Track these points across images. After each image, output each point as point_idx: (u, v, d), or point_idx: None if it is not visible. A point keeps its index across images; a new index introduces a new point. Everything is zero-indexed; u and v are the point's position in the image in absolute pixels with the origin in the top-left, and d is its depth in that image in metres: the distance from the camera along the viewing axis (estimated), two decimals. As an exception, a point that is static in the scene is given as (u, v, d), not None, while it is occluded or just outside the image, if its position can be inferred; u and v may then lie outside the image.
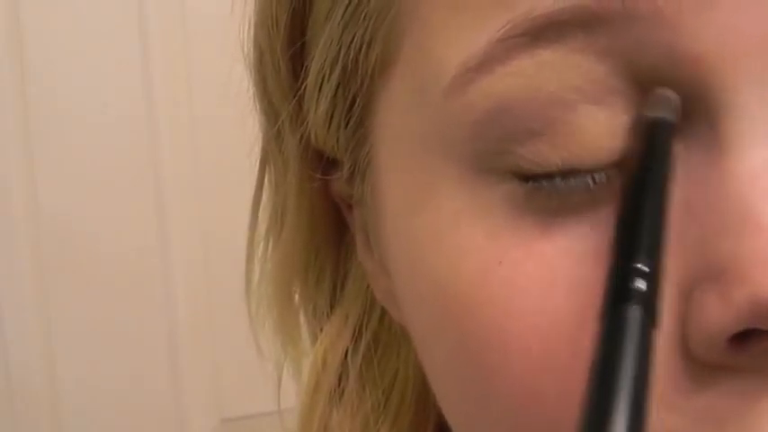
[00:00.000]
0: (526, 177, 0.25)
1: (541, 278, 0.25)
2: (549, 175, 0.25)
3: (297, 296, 0.38)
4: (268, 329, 0.39)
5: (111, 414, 1.14)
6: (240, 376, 1.17)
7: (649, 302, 0.22)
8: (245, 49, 0.34)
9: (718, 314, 0.23)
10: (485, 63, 0.24)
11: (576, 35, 0.24)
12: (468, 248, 0.26)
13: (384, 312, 0.36)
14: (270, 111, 0.34)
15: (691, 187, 0.24)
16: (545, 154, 0.24)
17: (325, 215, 0.35)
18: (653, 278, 0.22)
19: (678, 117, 0.24)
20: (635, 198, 0.24)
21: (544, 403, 0.25)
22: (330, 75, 0.30)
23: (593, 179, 0.24)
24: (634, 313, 0.22)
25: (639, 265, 0.22)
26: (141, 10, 1.11)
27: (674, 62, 0.24)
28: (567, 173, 0.24)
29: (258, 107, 0.35)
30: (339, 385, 0.37)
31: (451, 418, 0.30)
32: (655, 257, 0.23)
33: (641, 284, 0.22)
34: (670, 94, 0.24)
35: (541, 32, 0.24)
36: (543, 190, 0.25)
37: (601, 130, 0.24)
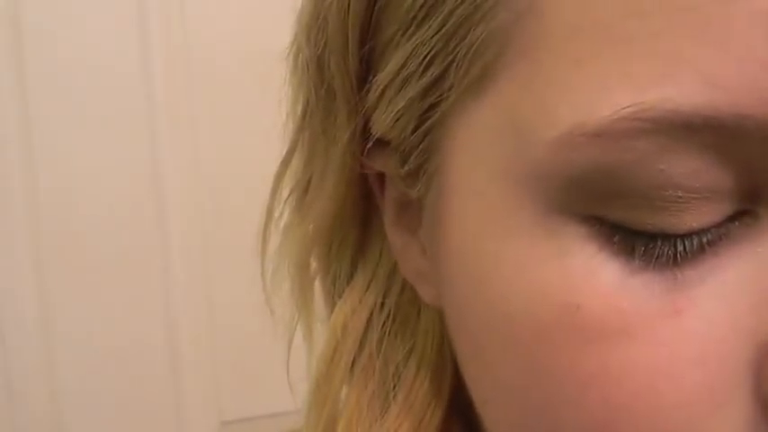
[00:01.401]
0: (613, 227, 0.26)
1: (619, 329, 0.25)
2: (636, 234, 0.25)
3: (314, 264, 0.38)
4: (282, 301, 0.39)
5: (110, 416, 1.14)
6: (240, 379, 1.17)
7: None
8: (301, 18, 0.33)
9: None
10: (602, 134, 0.24)
11: (702, 135, 0.24)
12: (545, 288, 0.26)
13: (405, 284, 0.36)
14: (326, 95, 0.33)
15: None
16: (640, 218, 0.25)
17: (357, 189, 0.35)
18: None
19: None
20: None
21: None
22: (417, 79, 0.29)
23: (684, 245, 0.25)
24: None
25: None
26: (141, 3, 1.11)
27: None
28: (657, 236, 0.25)
29: (307, 83, 0.34)
30: (357, 355, 0.37)
31: (499, 422, 0.31)
32: None
33: None
34: None
35: (674, 126, 0.24)
36: (628, 240, 0.25)
37: (703, 215, 0.25)
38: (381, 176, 0.34)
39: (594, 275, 0.26)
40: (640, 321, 0.25)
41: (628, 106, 0.24)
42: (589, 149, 0.25)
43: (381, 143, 0.32)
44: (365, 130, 0.32)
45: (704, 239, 0.25)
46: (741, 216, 0.25)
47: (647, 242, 0.25)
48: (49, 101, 1.09)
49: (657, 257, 0.25)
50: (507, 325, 0.28)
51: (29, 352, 1.11)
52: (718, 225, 0.25)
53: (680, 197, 0.24)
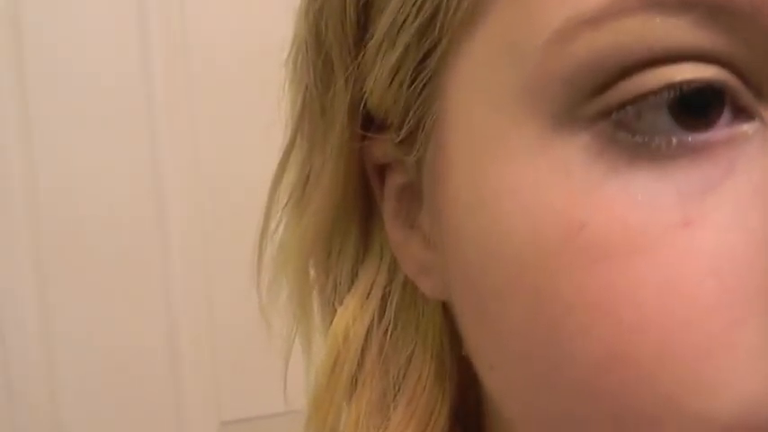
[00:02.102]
0: (612, 111, 0.25)
1: (626, 242, 0.25)
2: (639, 99, 0.25)
3: (312, 273, 0.37)
4: (280, 306, 0.39)
5: (110, 416, 1.14)
6: (240, 379, 1.17)
7: None
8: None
9: None
10: (598, 18, 0.25)
11: (693, 11, 0.24)
12: (550, 210, 0.26)
13: (405, 288, 0.36)
14: (324, 66, 0.33)
15: None
16: (642, 80, 0.25)
17: (356, 182, 0.34)
18: None
19: None
20: None
21: (628, 366, 0.25)
22: (409, 24, 0.29)
23: (690, 139, 0.25)
24: None
25: None
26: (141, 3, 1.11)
27: None
28: (660, 90, 0.25)
29: (305, 63, 0.34)
30: (359, 361, 0.36)
31: (507, 388, 0.30)
32: None
33: None
34: None
35: (665, 2, 0.24)
36: (630, 125, 0.25)
37: (705, 75, 0.25)
38: (380, 170, 0.34)
39: (598, 189, 0.25)
40: (648, 236, 0.24)
41: None
42: (585, 40, 0.25)
43: (379, 126, 0.32)
44: (363, 109, 0.32)
45: (712, 138, 0.24)
46: (748, 120, 0.25)
47: (651, 139, 0.25)
48: (48, 101, 1.09)
49: (663, 159, 0.25)
50: (513, 256, 0.27)
51: (29, 352, 1.11)
52: (725, 126, 0.25)
53: (676, 67, 0.24)
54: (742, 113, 0.25)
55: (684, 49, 0.24)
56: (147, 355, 1.15)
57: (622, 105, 0.25)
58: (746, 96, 0.25)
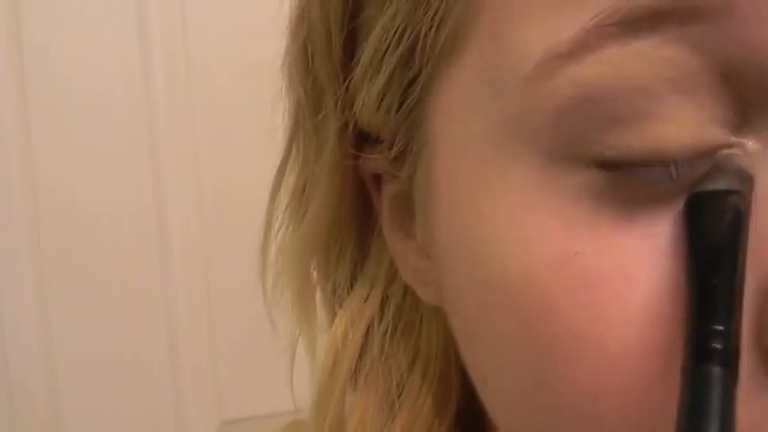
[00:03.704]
0: (607, 166, 0.25)
1: (619, 272, 0.25)
2: (630, 164, 0.25)
3: (314, 274, 0.38)
4: (283, 307, 0.39)
5: (110, 416, 1.14)
6: (240, 379, 1.17)
7: (729, 361, 0.23)
8: (290, 20, 0.34)
9: None
10: (575, 50, 0.24)
11: (671, 27, 0.24)
12: (543, 238, 0.26)
13: (406, 291, 0.36)
14: (313, 88, 0.33)
15: None
16: (629, 142, 0.24)
17: (352, 192, 0.35)
18: (730, 338, 0.23)
19: (748, 183, 0.24)
20: (708, 271, 0.24)
21: (607, 401, 0.25)
22: (391, 53, 0.29)
23: (677, 168, 0.24)
24: (716, 373, 0.23)
25: (718, 327, 0.23)
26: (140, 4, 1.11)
27: None
28: (651, 162, 0.24)
29: (296, 83, 0.34)
30: (359, 364, 0.36)
31: (497, 402, 0.30)
32: (732, 320, 0.23)
33: (719, 345, 0.23)
34: (734, 160, 0.24)
35: (637, 22, 0.24)
36: (624, 179, 0.25)
37: (687, 121, 0.24)
38: (378, 178, 0.34)
39: (592, 220, 0.25)
40: (640, 264, 0.24)
41: (594, 17, 0.24)
42: (567, 74, 0.24)
43: (372, 141, 0.32)
44: (355, 128, 0.33)
45: (697, 170, 0.24)
46: (730, 147, 0.25)
47: (643, 175, 0.24)
48: (49, 107, 1.09)
49: (654, 192, 0.25)
50: (503, 282, 0.27)
51: (29, 351, 1.11)
52: (709, 154, 0.24)
53: (663, 103, 0.24)
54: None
55: (673, 80, 0.24)
56: (147, 355, 1.15)
57: (613, 165, 0.25)
58: (730, 129, 0.25)
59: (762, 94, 0.24)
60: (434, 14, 0.27)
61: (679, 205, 0.25)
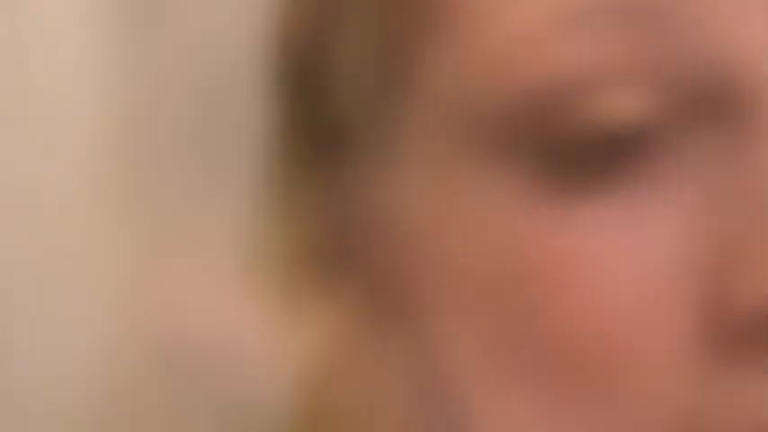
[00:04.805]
0: (551, 153, 0.26)
1: (585, 250, 0.26)
2: (574, 150, 0.26)
3: (299, 274, 0.38)
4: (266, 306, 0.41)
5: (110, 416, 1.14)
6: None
7: None
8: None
9: (748, 297, 0.24)
10: (520, 46, 0.26)
11: (611, 23, 0.25)
12: (489, 241, 0.27)
13: (385, 301, 0.37)
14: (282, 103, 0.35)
15: (717, 179, 0.26)
16: (571, 130, 0.26)
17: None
18: None
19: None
20: None
21: (589, 371, 0.26)
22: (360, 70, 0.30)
23: (620, 153, 0.26)
24: None
25: None
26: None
27: (707, 58, 0.25)
28: (594, 147, 0.26)
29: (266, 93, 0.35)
30: (347, 359, 0.37)
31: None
32: None
33: None
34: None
35: (581, 18, 0.26)
36: (572, 165, 0.26)
37: (628, 110, 0.26)
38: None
39: (532, 218, 0.26)
40: (584, 259, 0.26)
41: (542, 13, 0.26)
42: (506, 69, 0.26)
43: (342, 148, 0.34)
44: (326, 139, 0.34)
45: (645, 169, 0.26)
46: (677, 150, 0.26)
47: (588, 174, 0.26)
48: (48, 100, 1.09)
49: (602, 189, 0.26)
50: (457, 287, 0.28)
51: (30, 352, 1.11)
52: (646, 141, 0.26)
53: (606, 92, 0.26)
54: (671, 143, 0.26)
55: (613, 73, 0.26)
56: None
57: (556, 145, 0.26)
58: (673, 131, 0.26)
59: (697, 94, 0.26)
60: (396, 31, 0.29)
61: (624, 183, 0.26)
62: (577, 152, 0.26)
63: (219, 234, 0.39)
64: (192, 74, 0.40)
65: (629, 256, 0.26)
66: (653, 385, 0.25)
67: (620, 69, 0.25)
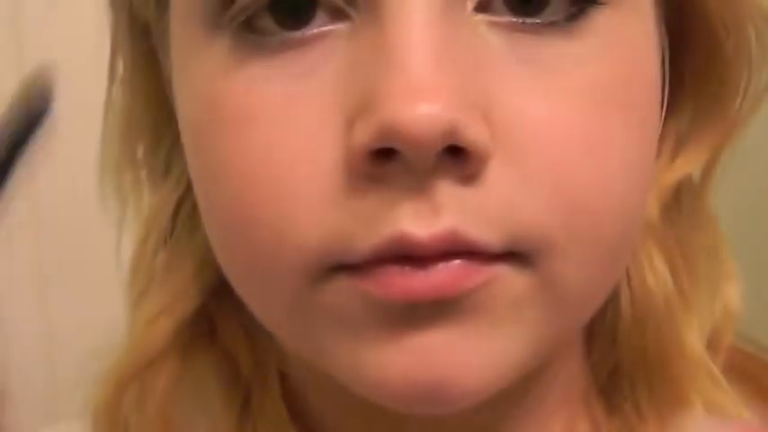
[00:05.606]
0: (237, 17, 0.33)
1: (246, 118, 0.33)
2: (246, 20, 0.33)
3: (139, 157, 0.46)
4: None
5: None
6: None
7: None
8: None
9: (363, 134, 0.30)
10: None
11: None
12: (200, 91, 0.35)
13: None
14: None
15: (358, 53, 0.32)
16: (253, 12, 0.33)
17: (158, 86, 0.43)
18: None
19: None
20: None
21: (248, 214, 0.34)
22: None
23: (299, 20, 0.33)
24: None
25: None
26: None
27: None
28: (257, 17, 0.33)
29: None
30: (170, 234, 0.45)
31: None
32: None
33: None
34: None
35: None
36: (251, 27, 0.33)
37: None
38: None
39: (229, 76, 0.33)
40: (261, 111, 0.33)
41: None
42: None
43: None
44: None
45: (307, 34, 0.33)
46: (341, 20, 0.33)
47: (263, 37, 0.33)
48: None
49: (273, 52, 0.33)
50: (188, 129, 0.37)
51: (29, 351, 1.11)
52: (320, 25, 0.33)
53: None
54: (336, 14, 0.32)
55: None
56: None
57: (240, 13, 0.33)
58: (337, 2, 0.32)
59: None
60: None
61: (283, 57, 0.33)
62: (258, 26, 0.33)
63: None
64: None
65: (290, 102, 0.32)
66: (306, 207, 0.32)
67: None
